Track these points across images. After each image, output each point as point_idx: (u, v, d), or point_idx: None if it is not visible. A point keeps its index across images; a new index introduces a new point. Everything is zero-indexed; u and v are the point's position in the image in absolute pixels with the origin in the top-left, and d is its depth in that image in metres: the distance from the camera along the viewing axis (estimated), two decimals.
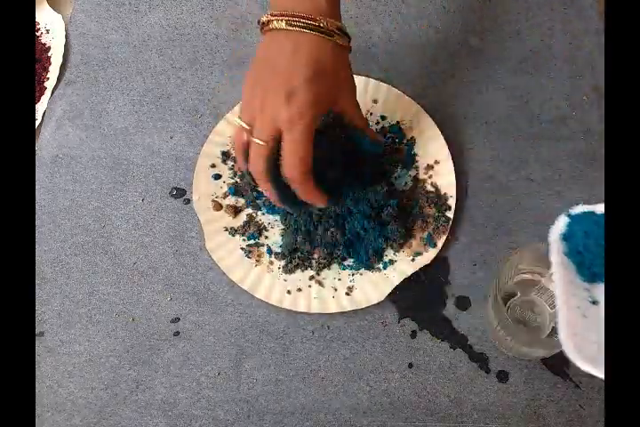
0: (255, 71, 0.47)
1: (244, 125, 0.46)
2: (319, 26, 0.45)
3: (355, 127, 0.51)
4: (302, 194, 0.48)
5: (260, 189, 0.50)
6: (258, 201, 0.57)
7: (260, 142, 0.45)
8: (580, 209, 0.41)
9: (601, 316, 0.38)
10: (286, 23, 0.45)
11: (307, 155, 0.45)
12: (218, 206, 0.58)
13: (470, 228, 0.56)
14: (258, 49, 0.47)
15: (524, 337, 0.46)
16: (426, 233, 0.55)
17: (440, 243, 0.55)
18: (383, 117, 0.60)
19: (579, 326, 0.37)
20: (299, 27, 0.44)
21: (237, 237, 0.57)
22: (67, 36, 0.68)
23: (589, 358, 0.35)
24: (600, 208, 0.41)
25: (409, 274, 0.54)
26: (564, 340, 0.36)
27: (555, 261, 0.40)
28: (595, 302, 0.39)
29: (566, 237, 0.41)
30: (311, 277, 0.55)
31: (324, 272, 0.55)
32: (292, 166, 0.45)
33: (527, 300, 0.51)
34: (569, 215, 0.41)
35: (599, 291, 0.39)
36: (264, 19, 0.47)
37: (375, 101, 0.61)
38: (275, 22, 0.45)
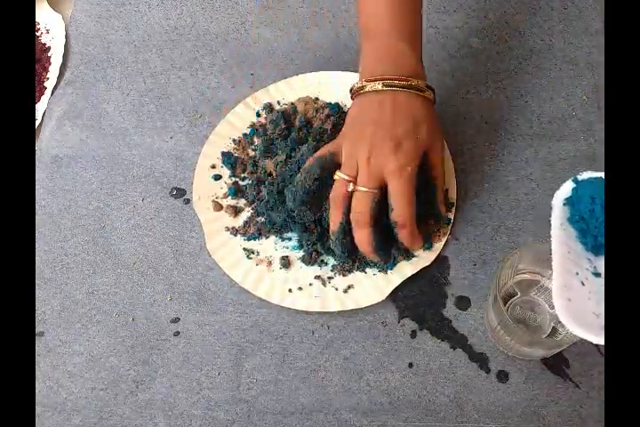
0: (355, 127, 0.51)
1: (347, 178, 0.50)
2: (411, 84, 0.50)
3: (435, 179, 0.53)
4: (407, 238, 0.51)
5: (355, 237, 0.52)
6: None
7: (367, 190, 0.49)
8: (587, 175, 0.40)
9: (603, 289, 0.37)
10: (383, 85, 0.49)
11: (412, 201, 0.49)
12: (218, 207, 0.58)
13: (470, 228, 0.56)
14: (352, 109, 0.52)
15: (524, 337, 0.46)
16: (426, 234, 0.55)
17: (441, 243, 0.55)
18: None
19: (575, 291, 0.37)
20: (395, 87, 0.49)
21: (238, 237, 0.57)
22: (67, 36, 0.68)
23: (586, 326, 0.35)
24: None
25: (410, 274, 0.54)
26: (556, 300, 0.36)
27: (554, 225, 0.39)
28: (597, 275, 0.38)
29: (571, 203, 0.40)
30: (317, 277, 0.55)
31: (327, 271, 0.55)
32: (401, 210, 0.49)
33: (527, 300, 0.51)
34: (576, 180, 0.40)
35: (604, 264, 0.39)
36: (358, 85, 0.51)
37: None
38: (370, 85, 0.50)
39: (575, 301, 0.37)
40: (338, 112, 0.60)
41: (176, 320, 0.55)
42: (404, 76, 0.50)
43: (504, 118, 0.61)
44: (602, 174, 0.40)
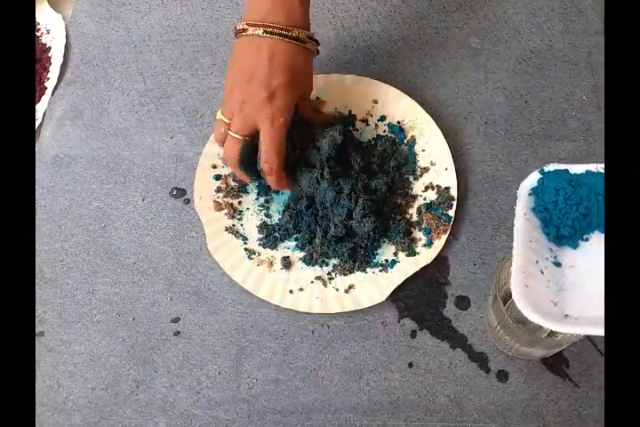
0: (233, 74, 0.52)
1: (226, 120, 0.52)
2: (292, 34, 0.49)
3: (312, 121, 0.57)
4: (274, 184, 0.53)
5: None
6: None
7: (237, 136, 0.51)
8: (553, 167, 0.41)
9: (565, 280, 0.38)
10: (264, 31, 0.49)
11: (282, 150, 0.51)
12: (219, 207, 0.58)
13: (470, 228, 0.56)
14: (233, 50, 0.52)
15: (524, 337, 0.46)
16: (428, 232, 0.55)
17: (441, 242, 0.55)
18: (383, 118, 0.60)
19: (533, 279, 0.38)
20: (275, 35, 0.49)
21: (239, 238, 0.57)
22: (67, 36, 0.68)
23: (542, 313, 0.36)
24: (574, 168, 0.41)
25: (410, 274, 0.54)
26: (513, 286, 0.37)
27: (518, 214, 0.40)
28: (558, 265, 0.39)
29: (536, 193, 0.41)
30: (318, 277, 0.55)
31: (327, 271, 0.55)
32: (268, 159, 0.51)
33: None
34: (542, 171, 0.41)
35: (565, 255, 0.40)
36: (240, 26, 0.51)
37: (375, 102, 0.61)
38: (251, 30, 0.50)
39: (533, 288, 0.38)
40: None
41: (176, 320, 0.55)
42: (287, 25, 0.49)
43: (504, 118, 0.61)
44: (568, 166, 0.41)
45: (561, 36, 0.64)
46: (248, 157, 0.52)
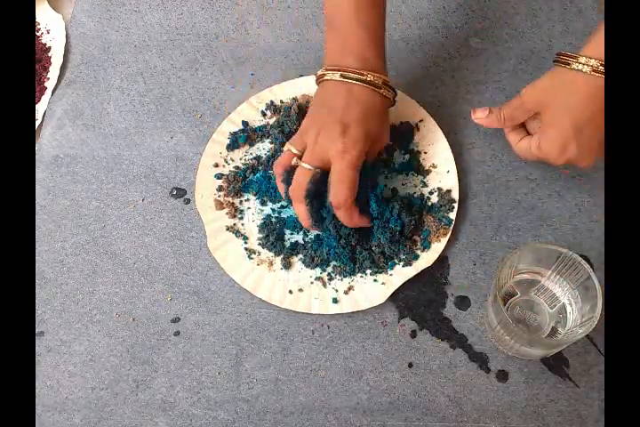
0: (314, 110, 0.54)
1: (296, 152, 0.52)
2: (366, 79, 0.51)
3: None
4: (345, 219, 0.51)
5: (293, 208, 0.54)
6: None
7: (309, 167, 0.50)
8: None
9: None
10: (340, 75, 0.52)
11: (353, 184, 0.50)
12: (220, 206, 0.58)
13: (470, 228, 0.56)
14: (315, 94, 0.55)
15: (524, 337, 0.46)
16: (427, 235, 0.55)
17: (441, 245, 0.55)
18: None
19: None
20: (351, 79, 0.51)
21: (240, 237, 0.57)
22: (67, 36, 0.68)
23: None
24: None
25: (409, 276, 0.54)
26: None
27: None
28: None
29: None
30: (318, 278, 0.55)
31: (327, 272, 0.55)
32: (338, 194, 0.50)
33: (527, 300, 0.51)
34: None
35: None
36: (320, 72, 0.54)
37: None
38: (329, 75, 0.52)
39: None
40: None
41: (176, 320, 0.55)
42: (361, 70, 0.51)
43: None
44: None
45: (561, 37, 0.64)
46: (314, 189, 0.51)
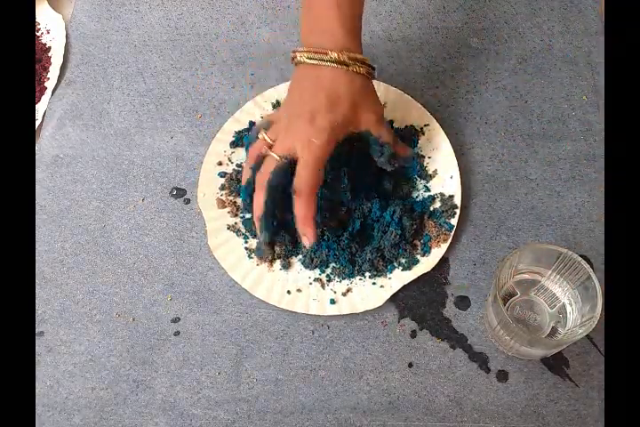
0: (288, 97, 0.54)
1: (269, 140, 0.52)
2: (331, 57, 0.50)
3: (383, 144, 0.53)
4: (298, 206, 0.51)
5: (253, 197, 0.53)
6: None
7: (276, 156, 0.50)
8: None
9: None
10: (307, 57, 0.51)
11: (315, 173, 0.50)
12: (222, 204, 0.58)
13: (470, 228, 0.56)
14: (291, 78, 0.54)
15: (524, 337, 0.46)
16: (428, 240, 0.55)
17: (441, 251, 0.54)
18: (391, 122, 0.60)
19: None
20: (316, 60, 0.51)
21: (240, 236, 0.57)
22: (67, 36, 0.68)
23: None
24: None
25: (408, 280, 0.54)
26: None
27: None
28: None
29: None
30: (316, 279, 0.55)
31: (326, 274, 0.55)
32: (300, 179, 0.50)
33: (527, 300, 0.51)
34: None
35: None
36: (291, 54, 0.53)
37: (385, 105, 0.60)
38: (298, 56, 0.52)
39: None
40: None
41: (176, 320, 0.55)
42: (326, 50, 0.50)
43: (504, 118, 0.61)
44: None
45: (561, 36, 0.64)
46: (278, 180, 0.51)
